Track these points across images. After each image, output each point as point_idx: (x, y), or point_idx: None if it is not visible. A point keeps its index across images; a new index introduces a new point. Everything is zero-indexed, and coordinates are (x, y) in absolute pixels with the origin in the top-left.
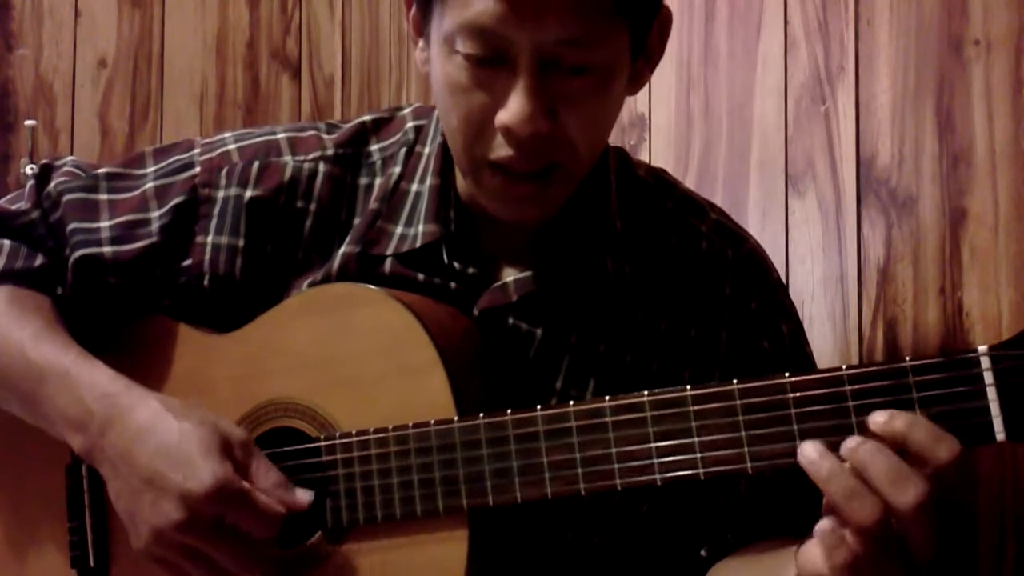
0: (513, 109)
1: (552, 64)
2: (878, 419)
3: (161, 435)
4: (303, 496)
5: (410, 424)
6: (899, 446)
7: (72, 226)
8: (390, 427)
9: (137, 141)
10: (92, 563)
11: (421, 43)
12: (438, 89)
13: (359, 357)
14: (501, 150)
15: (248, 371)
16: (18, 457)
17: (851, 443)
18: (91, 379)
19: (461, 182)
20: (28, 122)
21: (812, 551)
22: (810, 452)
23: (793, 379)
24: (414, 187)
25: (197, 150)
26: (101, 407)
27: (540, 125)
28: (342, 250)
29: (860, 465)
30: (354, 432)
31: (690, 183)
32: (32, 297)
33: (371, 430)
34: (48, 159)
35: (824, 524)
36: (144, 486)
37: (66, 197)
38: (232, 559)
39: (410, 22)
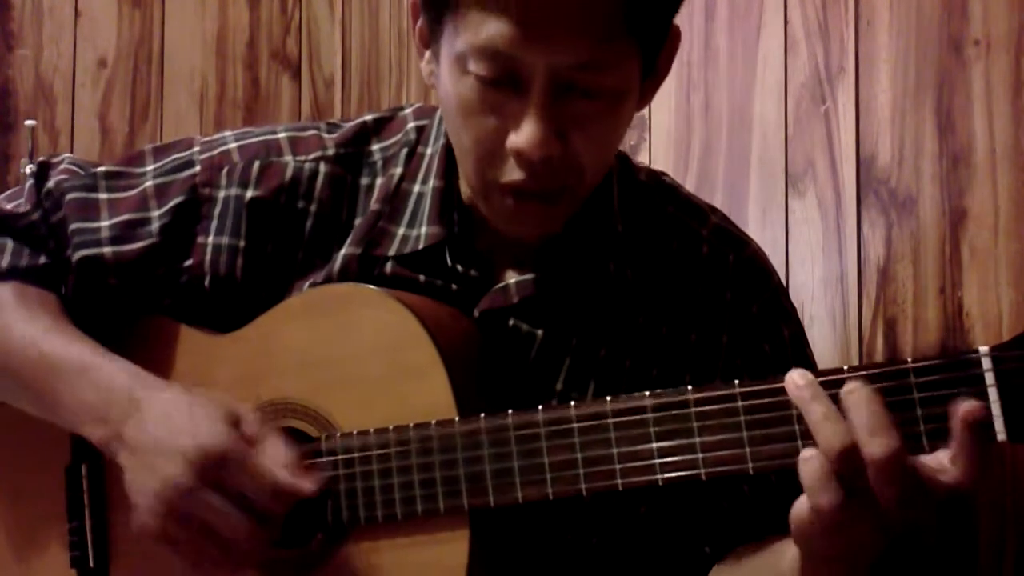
0: (526, 133)
1: (565, 88)
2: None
3: (175, 418)
4: (312, 480)
5: (411, 424)
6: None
7: (73, 226)
8: (391, 427)
9: (137, 141)
10: (92, 563)
11: (428, 55)
12: (448, 108)
13: (360, 357)
14: (514, 174)
15: (249, 371)
16: (18, 457)
17: (851, 386)
18: (108, 371)
19: (464, 185)
20: (28, 122)
21: (801, 502)
22: (797, 376)
23: None
24: (416, 188)
25: (197, 148)
26: (120, 398)
27: (552, 148)
28: (343, 251)
29: (847, 407)
30: (355, 432)
31: (690, 183)
32: (39, 293)
33: (372, 430)
34: (45, 157)
35: (811, 459)
36: (152, 459)
37: (67, 197)
38: (232, 530)
39: (416, 33)
